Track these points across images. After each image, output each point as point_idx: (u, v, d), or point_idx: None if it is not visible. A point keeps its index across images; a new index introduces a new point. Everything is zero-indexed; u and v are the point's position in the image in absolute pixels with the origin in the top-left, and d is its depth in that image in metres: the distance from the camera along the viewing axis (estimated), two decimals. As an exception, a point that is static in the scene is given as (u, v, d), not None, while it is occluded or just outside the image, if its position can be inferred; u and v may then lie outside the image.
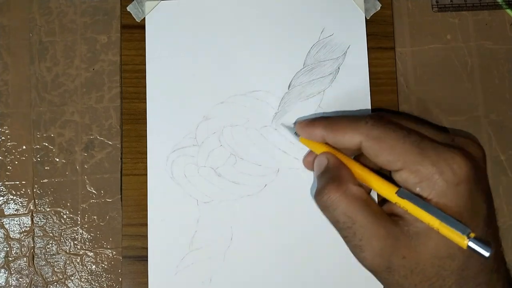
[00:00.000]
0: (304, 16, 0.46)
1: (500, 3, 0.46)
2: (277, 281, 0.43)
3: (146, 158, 0.44)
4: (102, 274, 0.45)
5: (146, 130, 0.45)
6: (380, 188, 0.37)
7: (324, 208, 0.37)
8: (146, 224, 0.44)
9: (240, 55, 0.46)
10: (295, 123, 0.43)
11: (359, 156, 0.41)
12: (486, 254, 0.32)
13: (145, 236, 0.44)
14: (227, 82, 0.45)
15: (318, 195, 0.37)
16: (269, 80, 0.45)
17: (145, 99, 0.45)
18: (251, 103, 0.45)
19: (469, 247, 0.33)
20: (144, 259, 0.43)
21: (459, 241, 0.33)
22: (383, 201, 0.38)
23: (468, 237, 0.33)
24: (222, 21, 0.46)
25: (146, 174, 0.44)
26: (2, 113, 0.46)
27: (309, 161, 0.42)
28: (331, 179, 0.37)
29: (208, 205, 0.44)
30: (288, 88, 0.45)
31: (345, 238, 0.37)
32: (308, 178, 0.44)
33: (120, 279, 0.44)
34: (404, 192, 0.35)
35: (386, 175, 0.38)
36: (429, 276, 0.35)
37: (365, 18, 0.46)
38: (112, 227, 0.45)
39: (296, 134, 0.42)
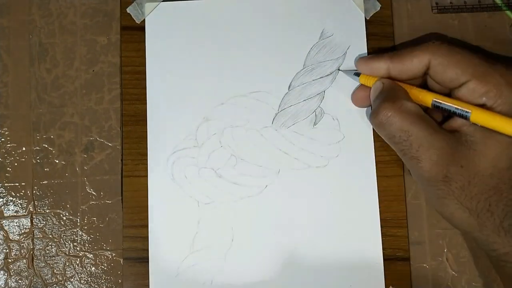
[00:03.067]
0: (304, 16, 0.46)
1: (500, 4, 0.46)
2: (278, 282, 0.43)
3: (147, 159, 0.44)
4: (102, 276, 0.44)
5: (146, 131, 0.45)
6: (452, 105, 0.37)
7: (380, 125, 0.38)
8: (147, 226, 0.44)
9: (240, 56, 0.46)
10: (355, 63, 0.44)
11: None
12: None
13: (145, 238, 0.43)
14: (227, 83, 0.45)
15: (375, 114, 0.38)
16: (269, 81, 0.45)
17: (145, 100, 0.45)
18: (251, 104, 0.45)
19: None
20: (145, 260, 0.43)
21: None
22: (442, 123, 0.39)
23: None
24: (222, 22, 0.46)
25: (147, 176, 0.44)
26: (2, 115, 0.46)
27: (359, 96, 0.43)
28: (385, 98, 0.38)
29: (209, 206, 0.44)
30: (288, 88, 0.45)
31: (401, 151, 0.38)
32: (309, 179, 0.44)
33: (120, 280, 0.44)
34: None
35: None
36: (486, 189, 0.35)
37: (365, 18, 0.46)
38: (111, 228, 0.45)
39: (355, 75, 0.43)
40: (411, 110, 0.37)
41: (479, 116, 0.35)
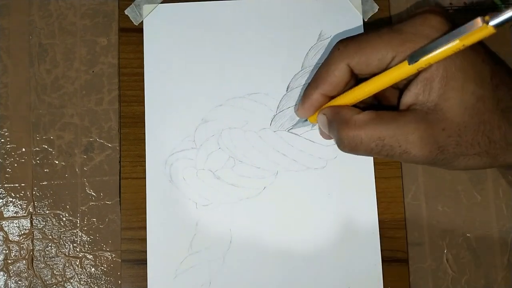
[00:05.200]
0: (302, 18, 0.46)
1: (499, 5, 0.46)
2: (277, 283, 0.43)
3: (145, 161, 0.44)
4: (102, 277, 0.45)
5: (144, 133, 0.45)
6: (391, 75, 0.36)
7: (352, 150, 0.38)
8: (145, 228, 0.44)
9: (238, 58, 0.46)
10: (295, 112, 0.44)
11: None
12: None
13: (144, 240, 0.44)
14: (225, 85, 0.45)
15: (340, 145, 0.38)
16: (268, 83, 0.45)
17: (144, 102, 0.45)
18: (249, 106, 0.45)
19: (495, 26, 0.31)
20: (143, 262, 0.43)
21: (484, 32, 0.31)
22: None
23: (485, 21, 0.31)
24: (220, 24, 0.46)
25: (145, 178, 0.44)
26: (2, 116, 0.46)
27: (323, 135, 0.43)
28: (338, 125, 0.38)
29: (207, 208, 0.44)
30: (287, 90, 0.45)
31: (388, 156, 0.37)
32: (307, 181, 0.44)
33: (120, 281, 0.44)
34: (415, 53, 0.35)
35: None
36: (476, 128, 0.35)
37: (363, 20, 0.46)
38: (111, 229, 0.45)
39: (305, 121, 0.43)
40: (365, 119, 0.37)
41: (424, 63, 0.34)
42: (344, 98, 0.39)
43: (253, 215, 0.44)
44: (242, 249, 0.44)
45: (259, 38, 0.46)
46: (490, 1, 0.47)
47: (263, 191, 0.44)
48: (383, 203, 0.44)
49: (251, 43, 0.46)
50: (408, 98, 0.36)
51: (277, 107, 0.45)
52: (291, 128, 0.45)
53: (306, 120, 0.43)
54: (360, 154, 0.38)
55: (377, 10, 0.46)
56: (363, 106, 0.39)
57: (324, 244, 0.43)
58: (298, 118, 0.44)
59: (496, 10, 0.46)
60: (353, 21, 0.46)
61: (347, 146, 0.37)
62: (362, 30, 0.45)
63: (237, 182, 0.44)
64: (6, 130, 0.46)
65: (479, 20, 0.31)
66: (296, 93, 0.45)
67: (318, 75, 0.39)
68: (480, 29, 0.31)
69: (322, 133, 0.43)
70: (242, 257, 0.44)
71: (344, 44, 0.38)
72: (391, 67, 0.36)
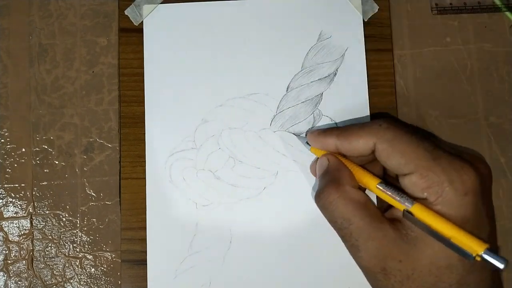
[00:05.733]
0: (302, 18, 0.46)
1: (500, 6, 0.46)
2: (277, 283, 0.43)
3: (145, 161, 0.44)
4: (102, 277, 0.45)
5: (144, 133, 0.45)
6: (391, 199, 0.36)
7: (323, 208, 0.38)
8: (145, 228, 0.44)
9: (238, 58, 0.46)
10: (306, 133, 0.44)
11: (368, 165, 0.40)
12: (501, 266, 0.31)
13: (144, 240, 0.43)
14: (225, 85, 0.45)
15: (318, 196, 0.38)
16: (268, 83, 0.45)
17: (143, 102, 0.45)
18: (249, 106, 0.45)
19: (483, 257, 0.32)
20: (143, 263, 0.43)
21: (473, 249, 0.32)
22: (387, 209, 0.39)
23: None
24: (220, 24, 0.46)
25: (145, 178, 0.44)
26: (2, 116, 0.46)
27: (313, 169, 0.43)
28: (330, 180, 0.38)
29: (207, 208, 0.44)
30: (287, 90, 0.45)
31: (342, 237, 0.37)
32: (307, 181, 0.44)
33: (120, 282, 0.44)
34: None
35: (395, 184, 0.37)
36: (425, 286, 0.34)
37: (363, 20, 0.46)
38: (111, 229, 0.45)
39: (307, 143, 0.42)
40: (354, 198, 0.36)
41: (418, 213, 0.34)
42: (352, 165, 0.39)
43: (253, 215, 0.44)
44: (242, 249, 0.44)
45: (259, 38, 0.46)
46: (490, 1, 0.47)
47: (263, 192, 0.44)
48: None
49: (251, 43, 0.46)
50: (399, 212, 0.36)
51: (277, 107, 0.45)
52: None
53: (309, 144, 0.42)
54: (324, 215, 0.38)
55: (377, 10, 0.46)
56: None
57: (324, 244, 0.43)
58: (297, 119, 0.44)
59: (496, 11, 0.47)
60: (353, 21, 0.46)
61: (322, 202, 0.37)
62: (362, 30, 0.46)
63: (237, 182, 0.44)
64: (6, 130, 0.46)
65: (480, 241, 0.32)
66: (296, 93, 0.45)
67: (347, 132, 0.38)
68: (475, 245, 0.32)
69: (312, 167, 0.43)
70: (242, 257, 0.43)
71: (386, 128, 0.37)
72: (403, 180, 0.36)
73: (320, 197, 0.37)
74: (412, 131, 0.37)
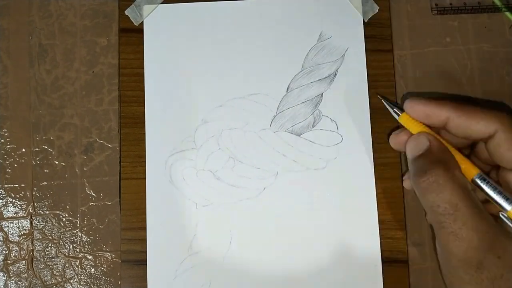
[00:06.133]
0: (302, 19, 0.46)
1: (499, 6, 0.46)
2: (277, 283, 0.43)
3: (145, 161, 0.44)
4: (102, 277, 0.45)
5: (144, 133, 0.45)
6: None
7: (426, 190, 0.35)
8: (145, 228, 0.44)
9: (238, 58, 0.46)
10: (404, 100, 0.40)
11: None
12: None
13: (144, 240, 0.43)
14: (225, 85, 0.45)
15: (422, 177, 0.35)
16: (268, 83, 0.45)
17: (144, 102, 0.45)
18: (249, 106, 0.45)
19: None
20: (143, 263, 0.43)
21: None
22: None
23: None
24: (220, 24, 0.46)
25: (145, 178, 0.44)
26: (2, 116, 0.46)
27: (401, 140, 0.40)
28: (437, 162, 0.35)
29: (207, 208, 0.44)
30: (287, 91, 0.45)
31: (440, 223, 0.34)
32: (307, 181, 0.44)
33: (120, 282, 0.44)
34: None
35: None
36: None
37: (363, 20, 0.46)
38: (111, 230, 0.45)
39: (396, 110, 0.40)
40: (463, 183, 0.34)
41: None
42: (452, 148, 0.37)
43: (253, 215, 0.44)
44: (242, 249, 0.44)
45: (259, 38, 0.46)
46: (490, 1, 0.47)
47: (263, 192, 0.44)
48: (383, 204, 0.44)
49: (251, 44, 0.46)
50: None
51: (277, 108, 0.45)
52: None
53: (397, 111, 0.40)
54: (422, 197, 0.35)
55: (377, 10, 0.46)
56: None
57: (324, 245, 0.43)
58: (298, 119, 0.44)
59: (496, 11, 0.47)
60: (353, 21, 0.46)
61: (426, 184, 0.35)
62: (362, 31, 0.46)
63: (237, 182, 0.44)
64: (6, 130, 0.46)
65: None
66: (296, 93, 0.45)
67: (466, 108, 0.36)
68: None
69: (396, 138, 0.41)
70: (242, 257, 0.43)
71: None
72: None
73: (425, 177, 0.34)
74: None
